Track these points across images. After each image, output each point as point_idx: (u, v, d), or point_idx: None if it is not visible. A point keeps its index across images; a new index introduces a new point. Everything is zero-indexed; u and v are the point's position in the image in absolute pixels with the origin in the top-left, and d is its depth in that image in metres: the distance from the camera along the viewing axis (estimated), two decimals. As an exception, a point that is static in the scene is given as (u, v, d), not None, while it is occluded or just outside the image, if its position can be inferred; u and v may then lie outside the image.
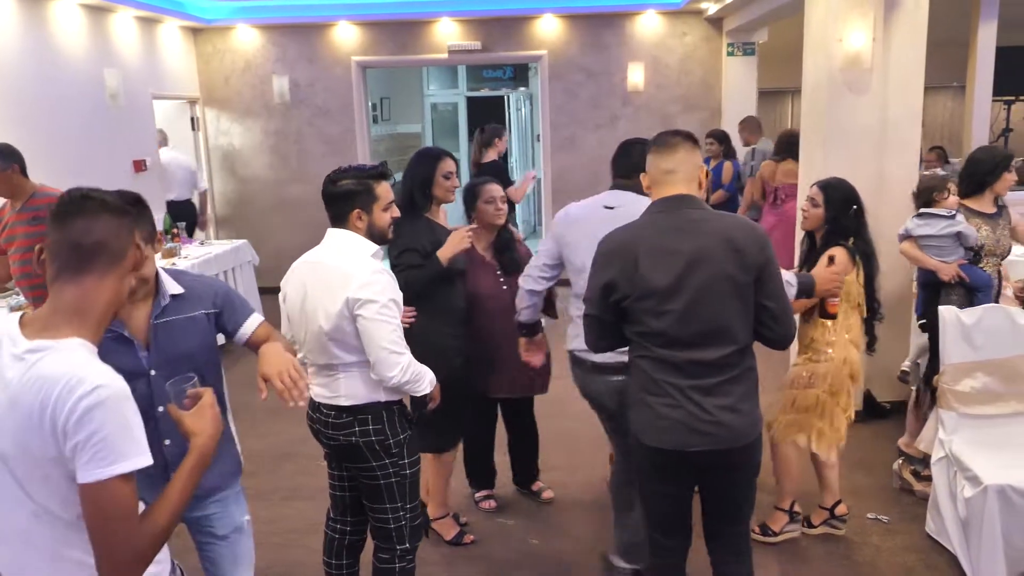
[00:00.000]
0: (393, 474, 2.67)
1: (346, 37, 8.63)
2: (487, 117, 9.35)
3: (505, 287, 3.66)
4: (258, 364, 2.22)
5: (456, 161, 3.58)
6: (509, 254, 3.71)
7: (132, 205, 2.11)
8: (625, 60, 8.63)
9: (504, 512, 4.01)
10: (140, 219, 2.13)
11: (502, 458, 4.16)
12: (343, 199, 2.60)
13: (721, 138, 7.35)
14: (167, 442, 2.16)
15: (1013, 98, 8.34)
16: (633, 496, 2.93)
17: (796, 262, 3.85)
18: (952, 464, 3.42)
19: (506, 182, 6.46)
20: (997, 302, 4.03)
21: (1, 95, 5.69)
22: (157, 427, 2.13)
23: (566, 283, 3.37)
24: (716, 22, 8.57)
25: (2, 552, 1.60)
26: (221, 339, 2.41)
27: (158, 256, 2.15)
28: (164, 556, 1.75)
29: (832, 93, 4.70)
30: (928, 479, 3.75)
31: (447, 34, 8.60)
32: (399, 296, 2.59)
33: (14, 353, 1.53)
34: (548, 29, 8.61)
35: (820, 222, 3.49)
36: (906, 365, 4.97)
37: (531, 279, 3.32)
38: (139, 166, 7.32)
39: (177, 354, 2.20)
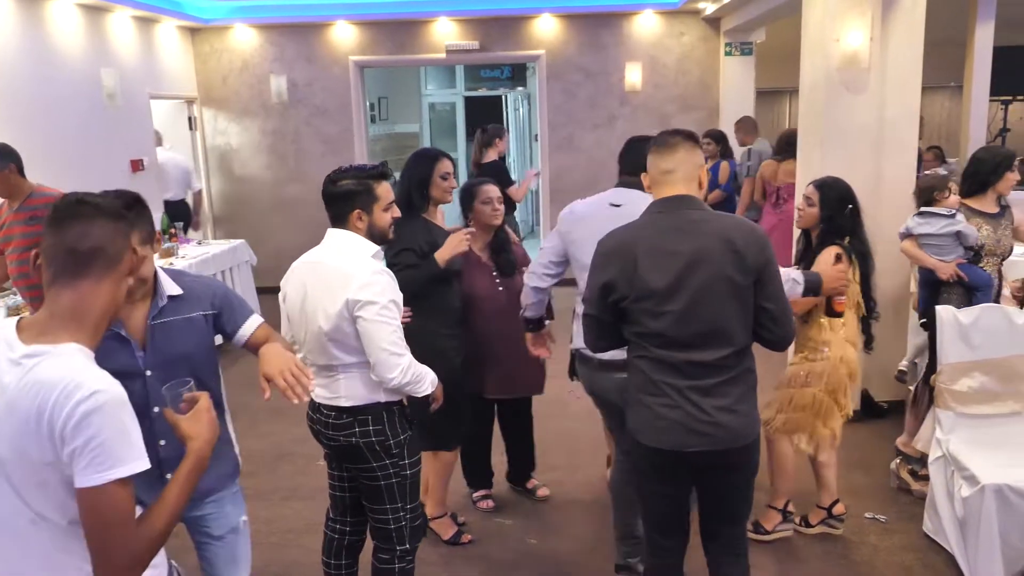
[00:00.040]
0: (393, 475, 2.67)
1: (344, 37, 8.62)
2: (485, 117, 9.36)
3: (501, 288, 3.67)
4: (259, 364, 2.21)
5: (453, 161, 3.59)
6: (505, 255, 3.72)
7: (132, 204, 2.12)
8: (623, 60, 8.64)
9: (502, 512, 4.01)
10: (139, 219, 2.13)
11: (499, 458, 4.16)
12: (343, 199, 2.59)
13: (718, 138, 7.36)
14: (162, 442, 2.16)
15: (1010, 98, 8.34)
16: (634, 495, 2.94)
17: (792, 261, 3.85)
18: (949, 463, 3.42)
19: (506, 182, 6.47)
20: (998, 302, 4.04)
21: (-2, 95, 5.69)
22: (152, 427, 2.12)
23: (567, 283, 3.38)
24: (714, 22, 8.58)
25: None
26: (219, 339, 2.40)
27: (156, 256, 2.15)
28: (161, 560, 1.75)
29: (830, 93, 4.70)
30: (925, 478, 3.76)
31: (445, 34, 8.60)
32: (399, 297, 2.58)
33: (11, 358, 1.53)
34: (546, 29, 8.61)
35: (815, 221, 3.50)
36: (904, 365, 4.98)
37: (536, 276, 3.33)
38: (136, 166, 7.31)
39: (173, 355, 2.20)
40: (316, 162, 8.67)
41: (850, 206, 3.43)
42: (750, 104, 8.57)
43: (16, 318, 1.63)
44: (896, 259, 4.64)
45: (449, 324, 3.45)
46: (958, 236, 4.03)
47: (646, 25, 8.61)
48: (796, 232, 3.95)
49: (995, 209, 4.12)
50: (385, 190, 2.65)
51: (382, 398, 2.62)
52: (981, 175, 4.11)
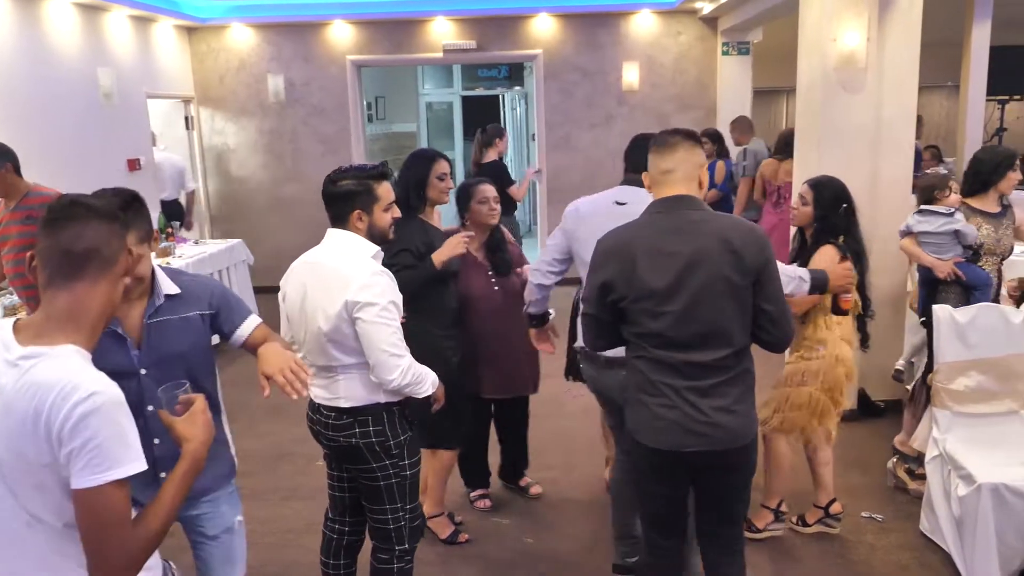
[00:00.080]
0: (393, 475, 2.66)
1: (341, 36, 8.61)
2: (482, 116, 9.37)
3: (497, 287, 3.67)
4: (258, 364, 2.22)
5: (450, 162, 3.59)
6: (501, 254, 3.72)
7: (130, 202, 2.12)
8: (620, 59, 8.64)
9: (499, 511, 4.01)
10: (137, 217, 2.13)
11: (496, 457, 4.16)
12: (343, 199, 2.58)
13: (715, 137, 7.38)
14: (157, 441, 2.15)
15: (1007, 97, 8.35)
16: (634, 495, 2.94)
17: (788, 260, 3.85)
18: (946, 463, 3.43)
19: (507, 182, 6.48)
20: (997, 301, 4.04)
21: (-5, 94, 5.68)
22: (147, 426, 2.12)
23: (565, 283, 3.39)
24: (711, 21, 8.58)
25: None
26: (216, 339, 2.40)
27: (153, 255, 2.14)
28: (155, 562, 1.75)
29: (827, 92, 4.71)
30: (922, 478, 3.76)
31: (442, 33, 8.59)
32: (399, 298, 2.57)
33: (8, 359, 1.53)
34: (543, 28, 8.61)
35: (809, 220, 3.51)
36: (900, 364, 4.99)
37: (540, 273, 3.34)
38: (133, 165, 7.30)
39: (169, 354, 2.19)
40: (313, 162, 8.67)
41: (844, 205, 3.44)
42: (747, 104, 8.57)
43: (12, 319, 1.63)
44: (893, 258, 4.65)
45: (444, 325, 3.45)
46: (956, 235, 4.03)
47: (643, 25, 8.61)
48: (793, 231, 3.95)
49: (997, 209, 4.12)
50: (385, 190, 2.64)
51: (382, 399, 2.62)
52: (982, 175, 4.11)
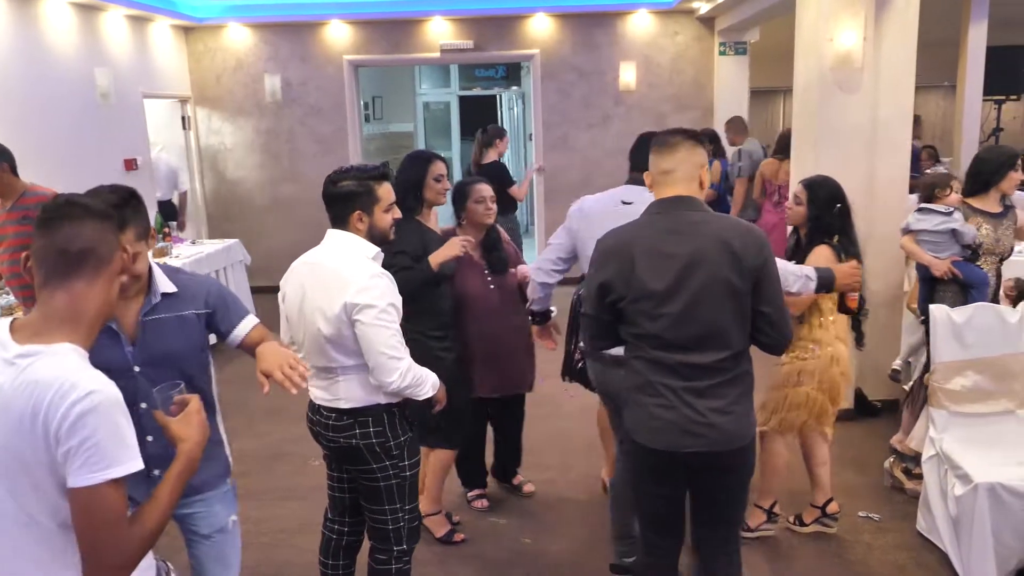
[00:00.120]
0: (393, 476, 2.66)
1: (338, 36, 8.61)
2: (479, 116, 9.37)
3: (493, 287, 3.67)
4: (257, 362, 2.21)
5: (446, 163, 3.59)
6: (497, 253, 3.72)
7: (128, 200, 2.12)
8: (617, 59, 8.64)
9: (496, 511, 4.01)
10: (135, 215, 2.13)
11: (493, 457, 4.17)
12: (344, 200, 2.57)
13: (711, 137, 7.38)
14: (150, 439, 2.14)
15: (1003, 97, 8.37)
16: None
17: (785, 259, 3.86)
18: (943, 462, 3.43)
19: (507, 182, 6.49)
20: (996, 301, 4.04)
21: (-9, 94, 5.67)
22: (140, 423, 2.11)
23: (565, 283, 3.39)
24: (708, 21, 8.59)
25: None
26: (213, 339, 2.39)
27: (150, 254, 2.14)
28: (148, 563, 1.75)
29: (823, 92, 4.71)
30: (919, 477, 3.77)
31: (439, 33, 8.59)
32: (398, 300, 2.56)
33: (5, 358, 1.52)
34: (540, 28, 8.61)
35: (803, 219, 3.51)
36: (897, 364, 5.00)
37: (543, 272, 3.35)
38: (130, 165, 7.29)
39: (163, 352, 2.19)
40: (310, 162, 8.67)
41: (839, 205, 3.44)
42: (744, 104, 8.59)
43: (10, 318, 1.63)
44: (890, 258, 4.65)
45: (438, 326, 3.45)
46: (954, 234, 4.04)
47: (640, 24, 8.61)
48: (790, 230, 3.96)
49: (998, 209, 4.12)
50: (386, 191, 2.62)
51: (382, 400, 2.61)
52: (984, 174, 4.11)
